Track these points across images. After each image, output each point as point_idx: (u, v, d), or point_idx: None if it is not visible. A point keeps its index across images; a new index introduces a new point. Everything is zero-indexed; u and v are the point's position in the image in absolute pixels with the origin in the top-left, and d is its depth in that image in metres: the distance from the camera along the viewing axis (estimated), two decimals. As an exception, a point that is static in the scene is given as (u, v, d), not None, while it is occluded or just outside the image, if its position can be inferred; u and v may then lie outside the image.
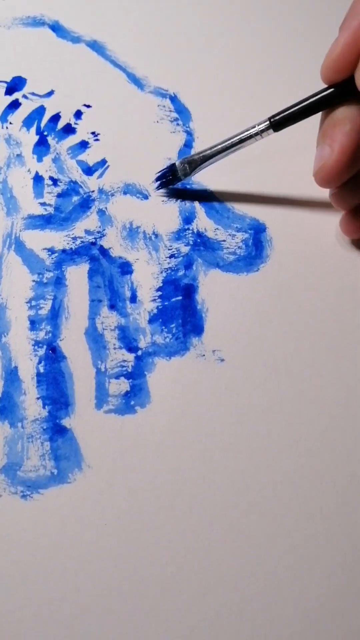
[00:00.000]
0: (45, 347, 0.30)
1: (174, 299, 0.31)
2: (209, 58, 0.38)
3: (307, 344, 0.31)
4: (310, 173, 0.30)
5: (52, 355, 0.30)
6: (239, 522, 0.28)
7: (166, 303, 0.31)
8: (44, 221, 0.33)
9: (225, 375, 0.30)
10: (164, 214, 0.33)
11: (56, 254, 0.32)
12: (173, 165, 0.33)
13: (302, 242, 0.33)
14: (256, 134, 0.31)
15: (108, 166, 0.35)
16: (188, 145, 0.35)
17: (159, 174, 0.34)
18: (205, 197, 0.34)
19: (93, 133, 0.35)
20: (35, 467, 0.28)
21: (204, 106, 0.37)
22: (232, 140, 0.32)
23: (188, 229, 0.33)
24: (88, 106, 0.36)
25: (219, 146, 0.32)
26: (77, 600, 0.26)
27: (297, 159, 0.35)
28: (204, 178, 0.34)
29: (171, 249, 0.33)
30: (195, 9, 0.40)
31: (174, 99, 0.37)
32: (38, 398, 0.29)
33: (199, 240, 0.33)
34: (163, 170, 0.34)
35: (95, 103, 0.36)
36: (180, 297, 0.31)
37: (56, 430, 0.29)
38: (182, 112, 0.36)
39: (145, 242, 0.33)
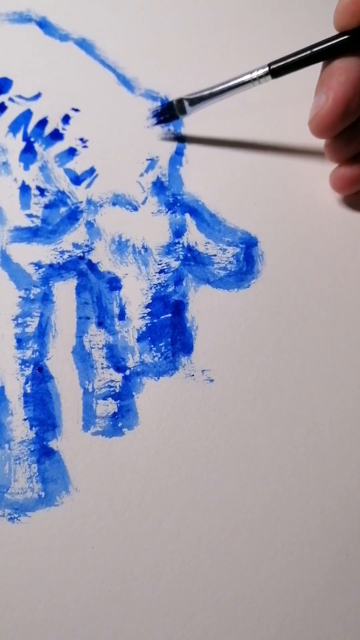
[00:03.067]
0: (32, 366, 0.30)
1: (163, 317, 0.31)
2: (202, 59, 0.37)
3: (299, 364, 0.30)
4: (308, 182, 0.30)
5: (39, 375, 0.30)
6: (228, 544, 0.28)
7: (155, 320, 0.31)
8: (31, 234, 0.32)
9: (214, 396, 0.30)
10: (153, 226, 0.33)
11: (43, 269, 0.31)
12: (170, 102, 0.34)
13: (294, 257, 0.32)
14: (254, 79, 0.31)
15: (97, 175, 0.34)
16: (179, 152, 0.34)
17: (155, 111, 0.34)
18: (196, 209, 0.33)
19: (81, 139, 0.34)
20: (23, 489, 0.28)
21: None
22: (229, 83, 0.32)
23: (178, 242, 0.32)
24: (76, 110, 0.35)
25: (217, 88, 0.32)
26: (64, 624, 0.26)
27: (291, 165, 0.34)
28: (196, 189, 0.34)
29: (161, 264, 0.32)
30: (189, 6, 0.38)
31: (165, 102, 0.36)
32: (25, 419, 0.29)
33: (189, 255, 0.32)
34: (160, 107, 0.34)
35: (83, 106, 0.35)
36: (169, 315, 0.31)
37: (43, 452, 0.28)
38: (173, 117, 0.35)
39: (134, 257, 0.32)
